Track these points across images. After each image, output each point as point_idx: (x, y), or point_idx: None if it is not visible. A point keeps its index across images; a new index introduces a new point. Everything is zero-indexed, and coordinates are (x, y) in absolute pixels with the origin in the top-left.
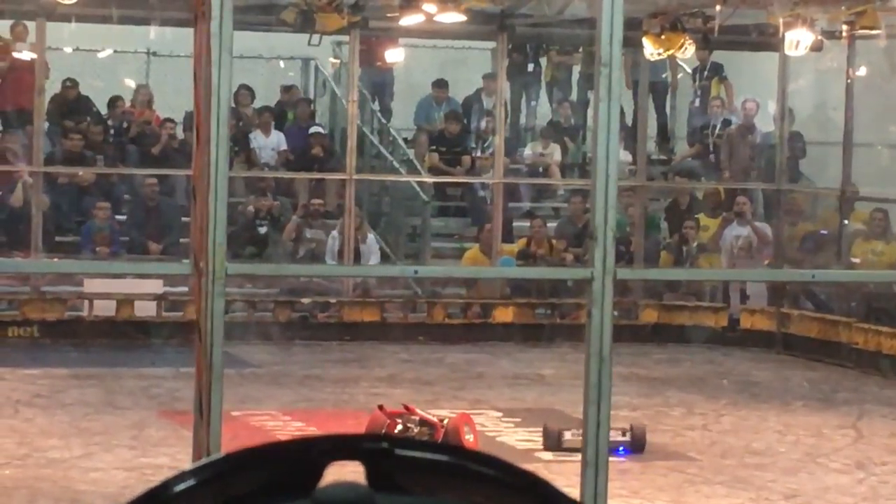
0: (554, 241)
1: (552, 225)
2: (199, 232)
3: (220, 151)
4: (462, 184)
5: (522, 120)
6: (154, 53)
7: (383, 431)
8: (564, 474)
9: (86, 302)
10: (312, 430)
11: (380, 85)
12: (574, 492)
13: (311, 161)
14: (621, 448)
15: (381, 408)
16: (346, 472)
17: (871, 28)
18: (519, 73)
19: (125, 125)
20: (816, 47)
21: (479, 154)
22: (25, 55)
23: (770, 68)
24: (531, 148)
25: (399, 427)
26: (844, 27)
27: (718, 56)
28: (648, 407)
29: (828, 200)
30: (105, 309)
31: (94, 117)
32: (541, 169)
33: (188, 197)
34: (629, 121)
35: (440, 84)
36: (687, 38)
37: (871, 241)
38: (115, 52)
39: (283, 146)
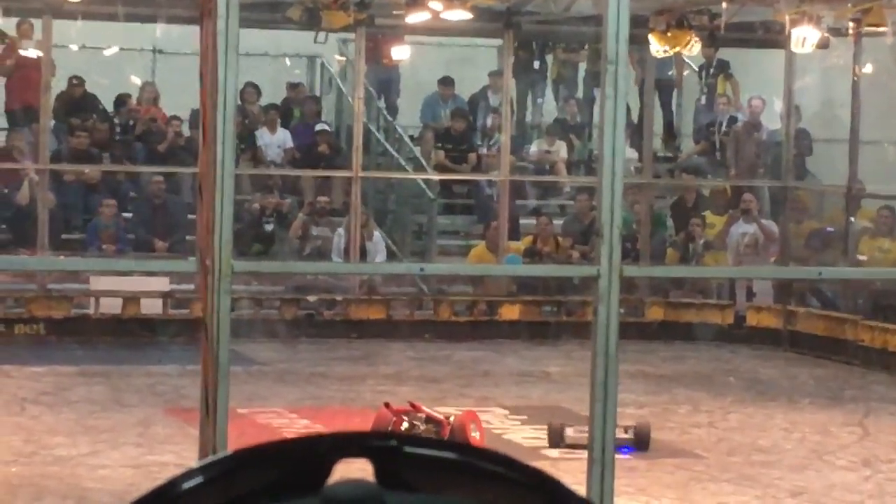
0: (560, 239)
1: (558, 222)
2: (206, 229)
3: (226, 149)
4: (468, 181)
5: (528, 117)
6: (160, 51)
7: (390, 429)
8: (571, 472)
9: (92, 299)
10: (319, 428)
11: (386, 82)
12: (580, 489)
13: (318, 159)
14: (624, 446)
15: (387, 405)
16: (354, 469)
17: (878, 25)
18: (525, 71)
19: (131, 123)
20: (823, 44)
21: (485, 151)
22: (32, 53)
23: (776, 66)
24: (537, 145)
25: (405, 424)
26: (851, 24)
27: (724, 53)
28: (655, 404)
29: (834, 198)
30: (111, 306)
31: (100, 115)
32: (547, 166)
33: (194, 194)
34: (635, 118)
35: (446, 81)
36: (693, 35)
37: (877, 239)
38: (122, 49)
39: (290, 144)
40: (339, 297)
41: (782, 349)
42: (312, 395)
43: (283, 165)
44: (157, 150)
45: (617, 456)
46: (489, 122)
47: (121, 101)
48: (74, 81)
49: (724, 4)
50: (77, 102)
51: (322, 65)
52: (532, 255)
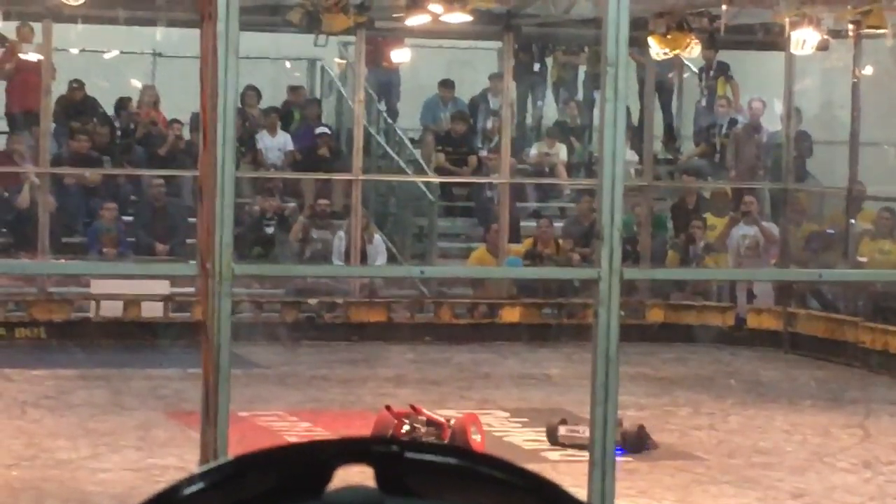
0: (560, 241)
1: (559, 225)
2: (206, 233)
3: (226, 152)
4: (468, 184)
5: (529, 120)
6: (160, 54)
7: (390, 433)
8: (572, 474)
9: (93, 303)
10: (320, 431)
11: (386, 85)
12: (581, 492)
13: (318, 161)
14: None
15: (388, 408)
16: (353, 473)
17: (878, 27)
18: (525, 73)
19: (132, 126)
20: (822, 46)
21: (485, 154)
22: (32, 56)
23: (776, 68)
24: (537, 148)
25: (406, 427)
26: (851, 26)
27: (724, 55)
28: (656, 407)
29: (835, 200)
30: (112, 310)
31: (100, 118)
32: (547, 169)
33: (195, 198)
34: (635, 120)
35: (446, 84)
36: (693, 37)
37: (878, 241)
38: (122, 53)
39: (290, 146)
40: (339, 300)
41: (783, 351)
42: (313, 398)
43: (284, 168)
44: (158, 154)
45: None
46: (489, 124)
47: (121, 104)
48: (75, 85)
49: (723, 7)
50: (77, 106)
51: (322, 68)
52: (532, 257)
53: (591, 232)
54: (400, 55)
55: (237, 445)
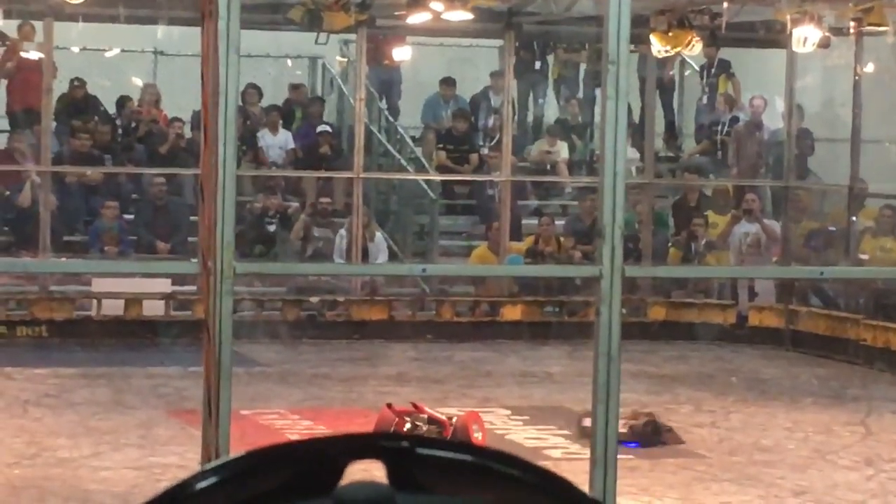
0: (562, 239)
1: (560, 223)
2: (208, 231)
3: (227, 150)
4: (470, 182)
5: (530, 118)
6: (161, 53)
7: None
8: (574, 472)
9: (94, 301)
10: (321, 429)
11: (387, 83)
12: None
13: (319, 160)
14: (630, 441)
15: (389, 406)
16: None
17: (879, 25)
18: (526, 71)
19: (133, 124)
20: (824, 44)
21: (486, 152)
22: (33, 55)
23: (777, 65)
24: (538, 146)
25: (408, 425)
26: (852, 24)
27: (726, 53)
28: (657, 404)
29: (836, 197)
30: (113, 308)
31: (101, 117)
32: (548, 167)
33: (196, 196)
34: (636, 118)
35: (447, 82)
36: (694, 34)
37: (879, 238)
38: (123, 51)
39: (291, 145)
40: (340, 298)
41: (784, 349)
42: (314, 396)
43: (285, 167)
44: (159, 152)
45: (623, 453)
46: (491, 122)
47: (122, 102)
48: (76, 83)
49: (725, 4)
50: (78, 104)
51: (323, 66)
52: (534, 255)
53: (593, 230)
54: (401, 53)
55: (238, 443)
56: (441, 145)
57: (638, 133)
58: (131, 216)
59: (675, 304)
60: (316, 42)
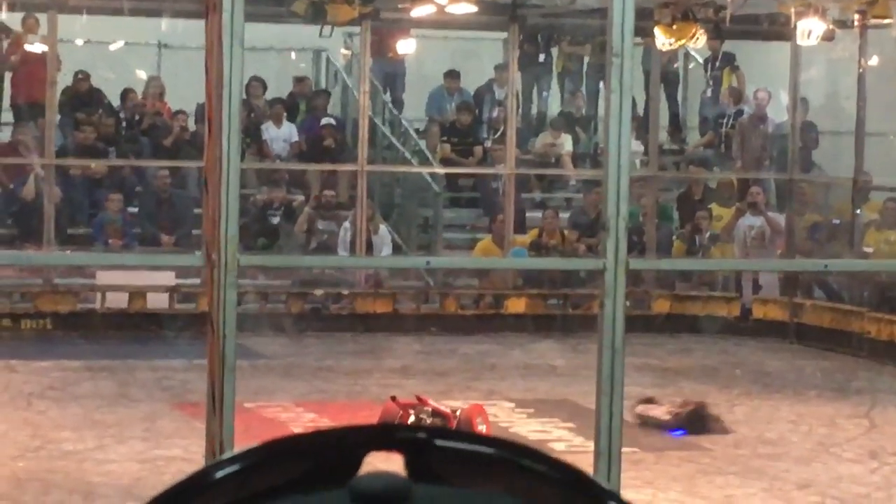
0: (566, 232)
1: (564, 215)
2: (212, 224)
3: (231, 143)
4: (474, 175)
5: (534, 110)
6: (165, 45)
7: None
8: (578, 465)
9: (98, 294)
10: (325, 422)
11: (391, 76)
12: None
13: (323, 152)
14: (676, 429)
15: (393, 399)
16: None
17: (884, 17)
18: (530, 64)
19: (137, 117)
20: (828, 37)
21: (490, 145)
22: (37, 48)
23: (782, 58)
24: (542, 138)
25: (412, 418)
26: (856, 16)
27: (730, 46)
28: (661, 397)
29: (840, 190)
30: (117, 301)
31: (105, 109)
32: (552, 159)
33: (200, 189)
34: (641, 111)
35: (452, 75)
36: (698, 27)
37: (884, 231)
38: (127, 44)
39: (295, 137)
40: (345, 291)
41: (788, 341)
42: (319, 389)
43: (289, 159)
44: (163, 145)
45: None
46: (495, 115)
47: (125, 95)
48: (80, 76)
49: None
50: (82, 97)
51: (327, 58)
52: (538, 248)
53: (597, 223)
54: (405, 46)
55: (243, 436)
56: (445, 138)
57: (642, 126)
58: (135, 209)
59: (679, 297)
60: (320, 35)
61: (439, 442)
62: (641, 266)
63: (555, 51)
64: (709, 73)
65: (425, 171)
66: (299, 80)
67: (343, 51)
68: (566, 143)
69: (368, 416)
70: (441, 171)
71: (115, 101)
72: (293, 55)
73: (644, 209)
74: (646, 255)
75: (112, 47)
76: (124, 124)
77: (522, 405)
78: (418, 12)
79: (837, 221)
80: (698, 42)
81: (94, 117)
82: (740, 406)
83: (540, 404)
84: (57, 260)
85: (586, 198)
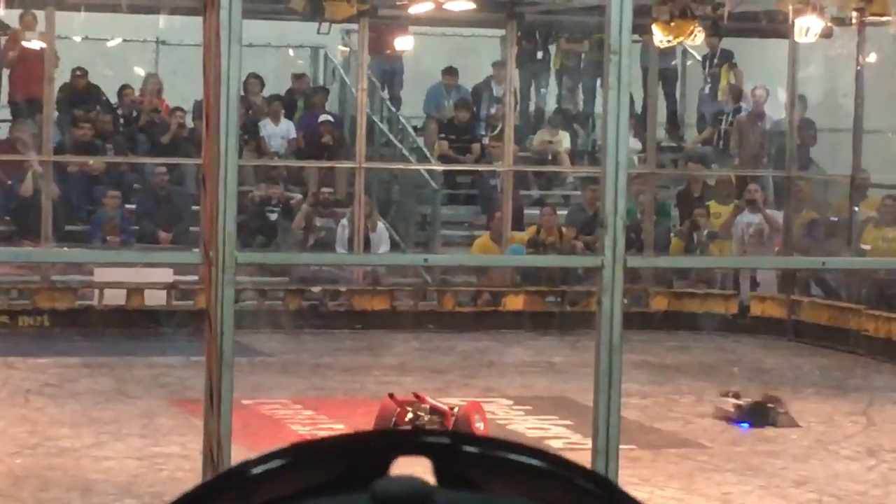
0: (564, 229)
1: (562, 212)
2: (209, 221)
3: (229, 141)
4: (472, 172)
5: (532, 107)
6: (163, 42)
7: (393, 421)
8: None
9: (96, 291)
10: (323, 419)
11: (389, 73)
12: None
13: (321, 149)
14: (742, 421)
15: (391, 396)
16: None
17: (881, 15)
18: (528, 61)
19: (135, 114)
20: (826, 34)
21: (488, 142)
22: (35, 44)
23: (780, 55)
24: (540, 135)
25: (409, 415)
26: (854, 14)
27: (728, 43)
28: (659, 394)
29: (838, 187)
30: (115, 298)
31: (103, 106)
32: (550, 156)
33: (198, 186)
34: (639, 108)
35: (450, 72)
36: (696, 24)
37: (881, 228)
38: (125, 40)
39: (293, 134)
40: (342, 288)
41: (786, 339)
42: (317, 386)
43: (287, 156)
44: (161, 142)
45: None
46: (493, 112)
47: (122, 91)
48: (78, 73)
49: None
50: (80, 94)
51: (325, 55)
52: (536, 245)
53: (595, 220)
54: (403, 43)
55: (240, 434)
56: (443, 135)
57: (640, 123)
58: (133, 206)
59: (677, 294)
60: (318, 32)
61: (467, 448)
62: (639, 264)
63: (553, 48)
64: (707, 70)
65: (423, 168)
66: (298, 77)
67: (341, 48)
68: (564, 140)
69: (366, 413)
70: (439, 168)
71: (113, 98)
72: (291, 52)
73: (642, 206)
74: (644, 252)
75: (110, 44)
76: (122, 121)
77: (520, 402)
78: (416, 9)
79: (835, 219)
80: (696, 39)
81: (92, 114)
82: None
83: (538, 401)
84: (55, 257)
85: (584, 195)
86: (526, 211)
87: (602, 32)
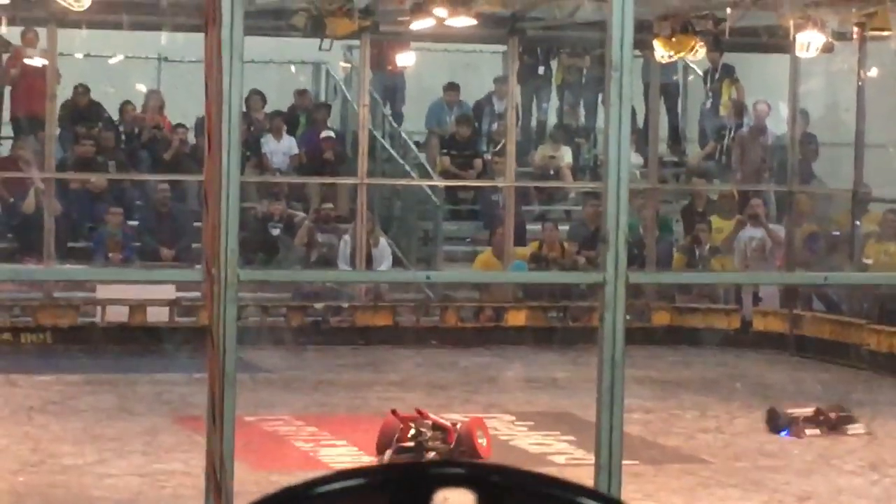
0: (566, 244)
1: (564, 228)
2: (211, 238)
3: (231, 158)
4: (474, 187)
5: (534, 123)
6: (165, 59)
7: (396, 437)
8: (578, 478)
9: (98, 308)
10: (326, 436)
11: (391, 89)
12: None
13: (323, 165)
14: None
15: (394, 412)
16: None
17: (883, 29)
18: (530, 76)
19: (136, 131)
20: (827, 49)
21: (490, 157)
22: (37, 61)
23: (781, 70)
24: (541, 151)
25: (412, 431)
26: (855, 28)
27: (729, 58)
28: (661, 410)
29: (840, 202)
30: (118, 315)
31: (105, 123)
32: (552, 172)
33: (200, 202)
34: (640, 123)
35: (451, 87)
36: (698, 40)
37: (883, 243)
38: (127, 57)
39: (295, 150)
40: (345, 304)
41: (788, 354)
42: (319, 403)
43: (289, 173)
44: (163, 158)
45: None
46: (494, 127)
47: (123, 108)
48: (79, 90)
49: (728, 9)
50: (82, 111)
51: (327, 72)
52: (538, 260)
53: (597, 235)
54: (405, 59)
55: (243, 451)
56: (445, 151)
57: (642, 138)
58: (135, 222)
59: (679, 310)
60: (320, 48)
61: (509, 482)
62: (641, 280)
63: (554, 63)
64: (708, 85)
65: (425, 183)
66: (300, 94)
67: (343, 64)
68: (566, 155)
69: (369, 429)
70: (441, 183)
71: (115, 115)
72: (293, 68)
73: (644, 221)
74: (646, 267)
75: (112, 61)
76: (124, 138)
77: (523, 418)
78: (418, 25)
79: (837, 233)
80: (697, 54)
81: (94, 131)
82: (740, 418)
83: (540, 417)
84: (57, 274)
85: (585, 210)
86: (528, 226)
87: (603, 48)
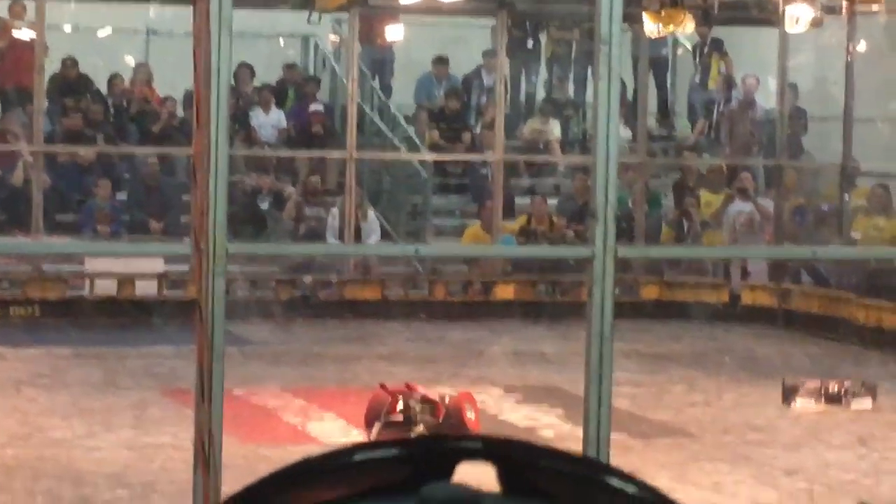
0: (555, 218)
1: (553, 202)
2: (200, 212)
3: (220, 131)
4: (463, 161)
5: (522, 96)
6: (153, 32)
7: (385, 411)
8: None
9: (87, 281)
10: (315, 409)
11: (380, 62)
12: None
13: (312, 139)
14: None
15: (382, 386)
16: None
17: (871, 3)
18: (519, 50)
19: (125, 104)
20: (816, 23)
21: (479, 131)
22: (24, 34)
23: (770, 44)
24: (530, 124)
25: (400, 405)
26: (844, 3)
27: (719, 32)
28: (650, 384)
29: (829, 176)
30: (106, 288)
31: (93, 96)
32: (541, 145)
33: (189, 175)
34: (629, 97)
35: (440, 61)
36: (687, 14)
37: (872, 217)
38: (115, 30)
39: (284, 124)
40: (333, 278)
41: (777, 327)
42: (308, 376)
43: (278, 146)
44: (151, 131)
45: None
46: (483, 101)
47: (112, 81)
48: (68, 62)
49: None
50: (70, 83)
51: (316, 45)
52: (527, 234)
53: (586, 209)
54: (394, 32)
55: (232, 424)
56: (434, 124)
57: (631, 112)
58: (124, 195)
59: (668, 284)
60: (308, 21)
61: (527, 456)
62: (630, 254)
63: (543, 37)
64: (697, 59)
65: (414, 157)
66: (289, 67)
67: (331, 37)
68: (554, 128)
69: (357, 402)
70: (430, 157)
71: (103, 88)
72: (282, 41)
73: (633, 196)
74: (635, 241)
75: (100, 33)
76: (112, 111)
77: (511, 392)
78: None
79: (826, 207)
80: (686, 28)
81: (82, 104)
82: (729, 392)
83: (529, 391)
84: (45, 247)
85: (574, 184)
86: (517, 200)
87: (592, 21)
